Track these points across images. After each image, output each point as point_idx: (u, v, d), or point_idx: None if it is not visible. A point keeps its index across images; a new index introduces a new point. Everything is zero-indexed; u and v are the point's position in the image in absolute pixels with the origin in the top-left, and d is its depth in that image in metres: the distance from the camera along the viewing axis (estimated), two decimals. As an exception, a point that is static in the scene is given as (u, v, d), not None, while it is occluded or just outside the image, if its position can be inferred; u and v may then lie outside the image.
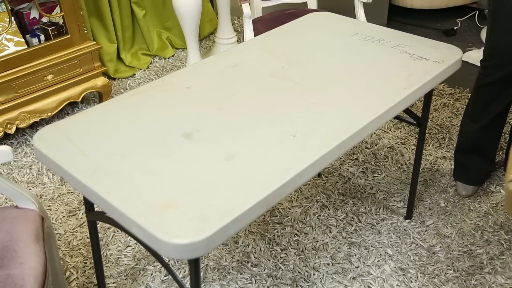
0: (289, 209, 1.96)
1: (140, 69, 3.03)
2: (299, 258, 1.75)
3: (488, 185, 2.03)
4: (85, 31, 2.42)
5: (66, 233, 1.86)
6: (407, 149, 2.27)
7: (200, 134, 1.16)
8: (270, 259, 1.75)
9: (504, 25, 1.66)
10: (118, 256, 1.77)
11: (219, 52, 1.58)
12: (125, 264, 1.74)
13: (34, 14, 2.39)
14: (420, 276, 1.67)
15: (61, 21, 2.39)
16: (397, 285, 1.65)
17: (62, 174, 1.09)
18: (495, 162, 2.03)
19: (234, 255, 1.76)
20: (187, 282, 1.66)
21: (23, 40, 2.30)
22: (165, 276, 1.69)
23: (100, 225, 1.88)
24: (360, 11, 2.37)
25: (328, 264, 1.73)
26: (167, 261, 1.61)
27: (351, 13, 2.29)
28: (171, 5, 2.99)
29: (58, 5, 2.33)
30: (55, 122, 1.22)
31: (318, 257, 1.75)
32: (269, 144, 1.12)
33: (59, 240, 1.83)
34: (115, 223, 1.12)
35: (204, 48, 3.32)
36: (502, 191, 2.00)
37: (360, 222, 1.89)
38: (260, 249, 1.79)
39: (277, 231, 1.86)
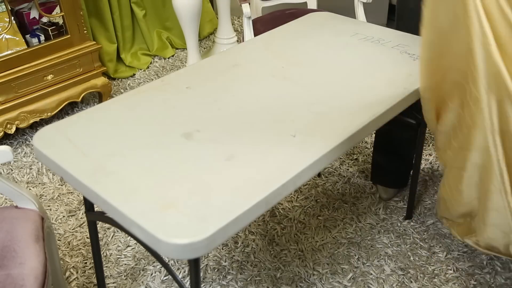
0: (289, 209, 1.96)
1: (140, 69, 3.03)
2: (299, 258, 1.75)
3: (488, 185, 2.03)
4: (85, 31, 2.42)
5: (66, 233, 1.86)
6: (407, 149, 2.27)
7: (200, 134, 1.16)
8: (270, 259, 1.75)
9: (407, 24, 1.64)
10: (118, 256, 1.77)
11: (219, 52, 1.58)
12: (125, 264, 1.74)
13: (34, 14, 2.39)
14: (420, 276, 1.67)
15: (61, 21, 2.39)
16: (397, 285, 1.65)
17: (62, 174, 1.09)
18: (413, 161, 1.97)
19: (234, 255, 1.76)
20: (187, 282, 1.66)
21: (23, 40, 2.30)
22: (165, 276, 1.69)
23: (100, 225, 1.88)
24: (360, 11, 2.37)
25: (328, 264, 1.73)
26: (167, 261, 1.61)
27: (351, 13, 2.29)
28: (171, 5, 2.98)
29: (58, 5, 2.33)
30: (55, 122, 1.22)
31: (318, 257, 1.75)
32: (269, 144, 1.12)
33: (59, 240, 1.83)
34: (115, 223, 1.12)
35: (204, 48, 3.32)
36: (502, 191, 2.00)
37: (360, 222, 1.89)
38: (260, 249, 1.79)
39: (277, 231, 1.86)
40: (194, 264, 1.03)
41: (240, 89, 1.34)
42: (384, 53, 1.52)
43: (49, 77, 2.35)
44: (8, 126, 2.28)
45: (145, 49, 3.16)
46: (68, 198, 2.03)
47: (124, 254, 1.77)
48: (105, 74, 2.74)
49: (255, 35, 2.25)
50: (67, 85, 2.43)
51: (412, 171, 1.89)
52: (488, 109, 1.09)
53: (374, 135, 1.99)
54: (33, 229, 1.23)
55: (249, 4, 2.27)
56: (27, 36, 2.35)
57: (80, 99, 2.49)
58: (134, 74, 2.99)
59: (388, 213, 1.93)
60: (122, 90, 2.84)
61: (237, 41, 3.14)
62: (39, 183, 2.11)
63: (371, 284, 1.65)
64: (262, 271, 1.71)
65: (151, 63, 3.11)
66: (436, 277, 1.67)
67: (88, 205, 1.30)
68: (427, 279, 1.66)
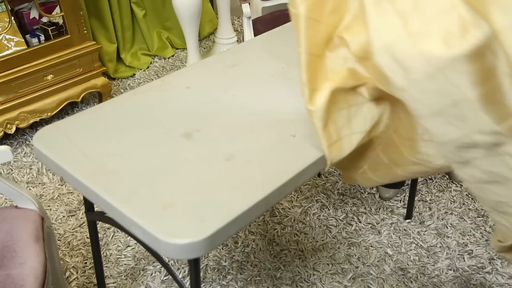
0: (289, 209, 1.96)
1: (140, 69, 3.03)
2: (299, 258, 1.75)
3: (488, 185, 2.03)
4: (85, 31, 2.42)
5: (66, 233, 1.86)
6: (407, 149, 2.27)
7: (200, 134, 1.16)
8: (270, 259, 1.75)
9: None
10: (118, 256, 1.77)
11: (219, 52, 1.58)
12: (125, 264, 1.74)
13: (34, 14, 2.39)
14: (420, 276, 1.67)
15: (61, 21, 2.39)
16: (397, 285, 1.65)
17: (62, 174, 1.09)
18: None
19: (234, 255, 1.76)
20: (187, 282, 1.66)
21: (23, 40, 2.30)
22: (165, 276, 1.69)
23: (100, 225, 1.88)
24: (360, 11, 2.36)
25: (328, 264, 1.73)
26: (167, 261, 1.61)
27: (351, 13, 2.29)
28: (171, 5, 2.99)
29: (58, 5, 2.33)
30: (55, 122, 1.22)
31: (318, 257, 1.75)
32: (269, 144, 1.12)
33: (59, 240, 1.83)
34: (115, 223, 1.12)
35: (204, 48, 3.32)
36: (502, 191, 2.00)
37: (360, 222, 1.89)
38: (260, 249, 1.79)
39: (277, 231, 1.86)
40: (194, 264, 1.03)
41: (240, 89, 1.34)
42: (384, 53, 1.52)
43: (49, 77, 2.35)
44: (8, 126, 2.28)
45: (145, 49, 3.16)
46: (68, 198, 2.03)
47: (124, 254, 1.77)
48: (105, 74, 2.74)
49: (255, 35, 2.25)
50: (67, 85, 2.43)
51: None
52: None
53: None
54: (33, 229, 1.23)
55: (249, 4, 2.27)
56: (27, 36, 2.35)
57: (80, 99, 2.49)
58: (134, 74, 2.99)
59: (388, 213, 1.93)
60: (122, 90, 2.84)
61: (237, 41, 3.14)
62: (39, 183, 2.11)
63: (371, 284, 1.65)
64: (262, 271, 1.71)
65: (151, 63, 3.11)
66: (436, 277, 1.67)
67: (88, 205, 1.30)
68: (427, 279, 1.66)
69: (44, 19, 2.41)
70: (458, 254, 1.75)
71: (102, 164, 1.07)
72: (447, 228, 1.85)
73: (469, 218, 1.90)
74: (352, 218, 1.91)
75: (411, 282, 1.65)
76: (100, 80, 2.55)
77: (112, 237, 1.85)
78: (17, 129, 2.32)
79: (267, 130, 1.17)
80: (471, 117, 0.91)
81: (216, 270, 1.71)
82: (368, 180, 1.28)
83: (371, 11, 0.95)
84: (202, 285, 1.66)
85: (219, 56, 1.52)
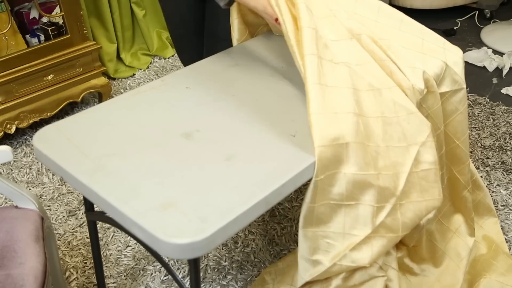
0: (289, 209, 1.96)
1: (140, 69, 3.03)
2: (299, 258, 1.75)
3: (488, 185, 2.03)
4: (85, 31, 2.42)
5: (66, 233, 1.86)
6: (407, 149, 2.27)
7: (200, 134, 1.16)
8: (270, 259, 1.75)
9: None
10: (118, 256, 1.77)
11: (219, 52, 1.58)
12: (125, 264, 1.74)
13: (34, 14, 2.39)
14: (420, 276, 1.67)
15: (61, 21, 2.39)
16: (397, 285, 1.64)
17: (62, 174, 1.09)
18: None
19: (234, 255, 1.76)
20: (187, 282, 1.66)
21: (23, 40, 2.30)
22: (165, 276, 1.69)
23: (100, 225, 1.88)
24: (360, 11, 2.36)
25: (328, 264, 1.72)
26: (167, 261, 1.61)
27: (351, 13, 2.29)
28: (171, 5, 2.99)
29: (58, 5, 2.33)
30: (55, 122, 1.22)
31: (318, 257, 1.75)
32: (269, 144, 1.12)
33: (59, 240, 1.83)
34: (115, 223, 1.12)
35: (204, 48, 3.31)
36: (502, 191, 2.00)
37: (360, 222, 1.89)
38: (260, 249, 1.79)
39: (277, 231, 1.86)
40: (194, 264, 1.03)
41: (240, 89, 1.34)
42: (384, 53, 1.52)
43: (49, 77, 2.35)
44: (8, 126, 2.28)
45: (145, 49, 3.16)
46: (68, 198, 2.03)
47: (124, 254, 1.77)
48: (105, 74, 2.74)
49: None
50: (67, 85, 2.43)
51: None
52: None
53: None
54: (33, 229, 1.23)
55: (249, 4, 2.26)
56: (27, 36, 2.35)
57: (80, 99, 2.49)
58: (134, 74, 2.99)
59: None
60: (122, 90, 2.84)
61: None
62: (39, 183, 2.11)
63: (371, 284, 1.65)
64: (262, 271, 1.71)
65: (151, 63, 3.11)
66: (436, 277, 1.67)
67: (88, 205, 1.30)
68: (427, 279, 1.66)
69: (44, 19, 2.41)
70: (458, 254, 1.75)
71: (102, 164, 1.07)
72: None
73: (469, 218, 1.90)
74: (352, 218, 1.91)
75: (411, 282, 1.65)
76: (100, 80, 2.55)
77: (112, 237, 1.85)
78: (17, 129, 2.32)
79: (267, 130, 1.17)
80: None
81: (216, 270, 1.71)
82: None
83: None
84: (202, 285, 1.66)
85: (219, 56, 1.52)
